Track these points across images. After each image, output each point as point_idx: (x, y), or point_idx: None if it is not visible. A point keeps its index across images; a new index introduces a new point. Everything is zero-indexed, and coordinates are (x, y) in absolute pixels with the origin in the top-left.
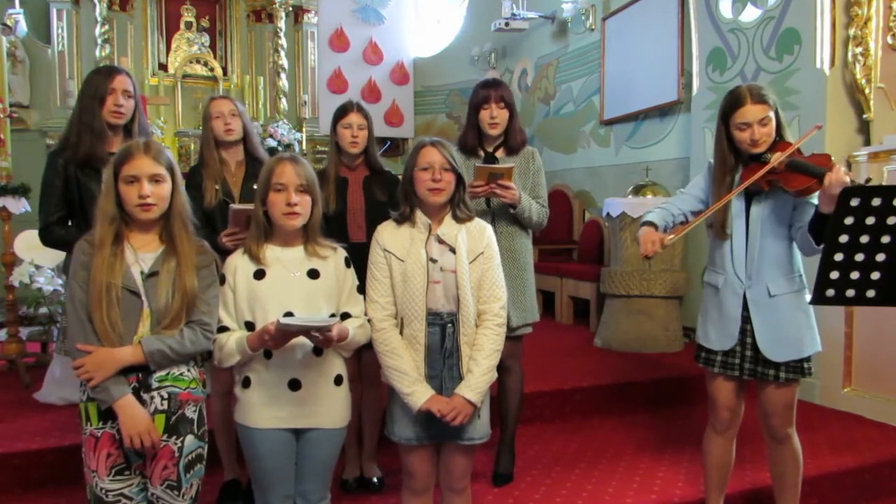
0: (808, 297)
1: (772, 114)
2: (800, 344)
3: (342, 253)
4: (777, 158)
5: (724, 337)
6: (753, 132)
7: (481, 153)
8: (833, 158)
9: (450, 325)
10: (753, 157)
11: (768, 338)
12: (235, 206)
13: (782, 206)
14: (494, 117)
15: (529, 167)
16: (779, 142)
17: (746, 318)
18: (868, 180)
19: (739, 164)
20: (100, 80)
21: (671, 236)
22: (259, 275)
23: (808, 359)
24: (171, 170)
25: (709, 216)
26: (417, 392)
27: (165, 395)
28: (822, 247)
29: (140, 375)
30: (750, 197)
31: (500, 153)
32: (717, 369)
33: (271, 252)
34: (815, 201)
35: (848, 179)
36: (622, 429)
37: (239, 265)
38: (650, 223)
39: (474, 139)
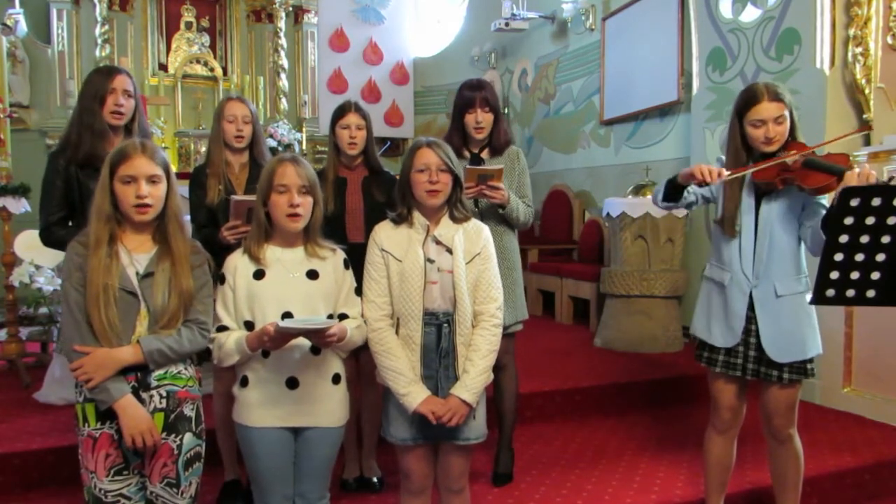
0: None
1: (787, 113)
2: (803, 345)
3: (341, 254)
4: (792, 156)
5: (728, 334)
6: (768, 130)
7: (467, 154)
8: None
9: (446, 325)
10: (765, 155)
11: (773, 338)
12: (237, 197)
13: (793, 205)
14: (480, 122)
15: (514, 167)
16: (791, 142)
17: (751, 318)
18: (891, 178)
19: (751, 161)
20: (100, 80)
21: (728, 173)
22: (259, 275)
23: (810, 360)
24: (166, 170)
25: (719, 212)
26: (413, 393)
27: (164, 394)
28: None
29: (139, 375)
30: (760, 196)
31: (484, 154)
32: (720, 369)
33: (271, 252)
34: (825, 202)
35: (874, 177)
36: (622, 429)
37: (239, 265)
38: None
39: (459, 141)
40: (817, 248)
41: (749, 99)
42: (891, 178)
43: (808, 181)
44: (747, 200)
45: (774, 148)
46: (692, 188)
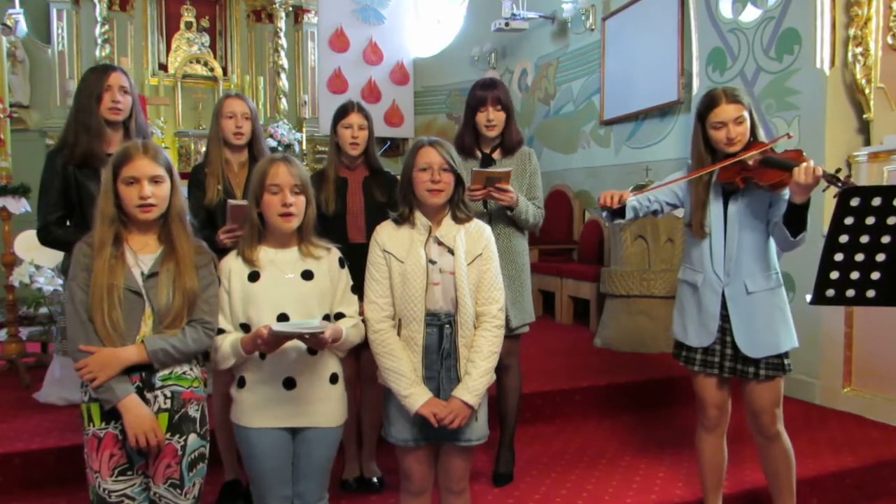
0: (786, 294)
1: (746, 113)
2: (776, 340)
3: (336, 253)
4: (751, 154)
5: (703, 334)
6: (729, 131)
7: (478, 154)
8: (805, 153)
9: (447, 326)
10: (728, 156)
11: (746, 334)
12: (233, 201)
13: (758, 203)
14: (491, 120)
15: (526, 168)
16: (752, 142)
17: (725, 316)
18: (838, 170)
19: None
20: (95, 79)
21: (629, 194)
22: (253, 277)
23: (786, 355)
24: (169, 170)
25: (687, 215)
26: (415, 394)
27: (169, 394)
28: (797, 239)
29: (143, 374)
30: (727, 196)
31: (496, 154)
32: (698, 368)
33: (265, 254)
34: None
35: (820, 171)
36: (622, 429)
37: (233, 268)
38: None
39: (471, 140)
40: (783, 243)
41: (709, 102)
42: (838, 170)
43: (764, 178)
44: (714, 201)
45: (736, 148)
46: (652, 196)
